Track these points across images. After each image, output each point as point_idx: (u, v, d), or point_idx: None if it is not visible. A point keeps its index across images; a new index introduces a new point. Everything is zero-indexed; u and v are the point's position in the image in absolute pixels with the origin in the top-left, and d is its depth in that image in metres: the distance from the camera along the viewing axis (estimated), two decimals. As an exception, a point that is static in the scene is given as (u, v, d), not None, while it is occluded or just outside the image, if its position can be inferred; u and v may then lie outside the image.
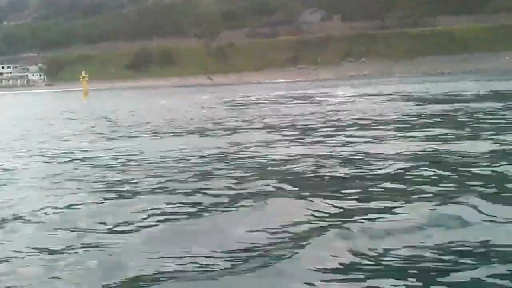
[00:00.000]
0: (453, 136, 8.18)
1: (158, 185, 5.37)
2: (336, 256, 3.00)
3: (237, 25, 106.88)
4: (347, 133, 9.47)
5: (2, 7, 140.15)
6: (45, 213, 4.44)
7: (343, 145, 7.81)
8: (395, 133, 8.98)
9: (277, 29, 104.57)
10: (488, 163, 5.65)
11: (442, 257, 2.96)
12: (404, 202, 4.14)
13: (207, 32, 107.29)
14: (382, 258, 3.00)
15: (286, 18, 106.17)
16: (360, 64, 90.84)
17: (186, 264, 3.05)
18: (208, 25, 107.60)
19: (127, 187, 5.38)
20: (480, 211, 3.75)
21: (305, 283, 2.67)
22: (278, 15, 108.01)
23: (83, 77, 45.43)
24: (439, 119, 11.23)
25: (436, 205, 3.92)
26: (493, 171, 5.30)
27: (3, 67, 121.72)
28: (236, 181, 5.37)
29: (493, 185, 4.71)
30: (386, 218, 3.76)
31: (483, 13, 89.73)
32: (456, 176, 5.15)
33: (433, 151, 6.74)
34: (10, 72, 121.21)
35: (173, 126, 13.21)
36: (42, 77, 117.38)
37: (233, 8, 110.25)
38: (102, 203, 4.71)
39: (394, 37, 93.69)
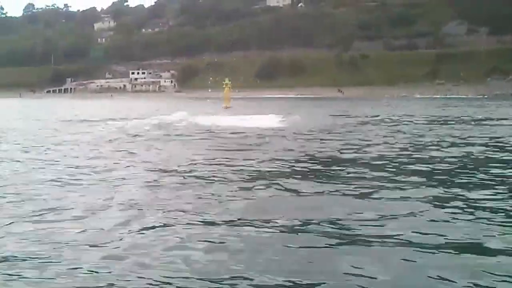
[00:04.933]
0: None
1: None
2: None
3: (372, 36, 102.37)
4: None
5: (143, 14, 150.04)
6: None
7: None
8: None
9: (416, 41, 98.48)
10: None
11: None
12: None
13: (340, 42, 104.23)
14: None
15: (427, 30, 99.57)
16: (507, 82, 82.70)
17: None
18: (342, 35, 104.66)
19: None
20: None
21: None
22: (418, 27, 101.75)
23: (226, 84, 48.44)
24: None
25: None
26: None
27: (138, 73, 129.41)
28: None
29: None
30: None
31: None
32: None
33: None
34: (144, 78, 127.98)
35: None
36: (173, 84, 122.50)
37: (369, 18, 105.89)
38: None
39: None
